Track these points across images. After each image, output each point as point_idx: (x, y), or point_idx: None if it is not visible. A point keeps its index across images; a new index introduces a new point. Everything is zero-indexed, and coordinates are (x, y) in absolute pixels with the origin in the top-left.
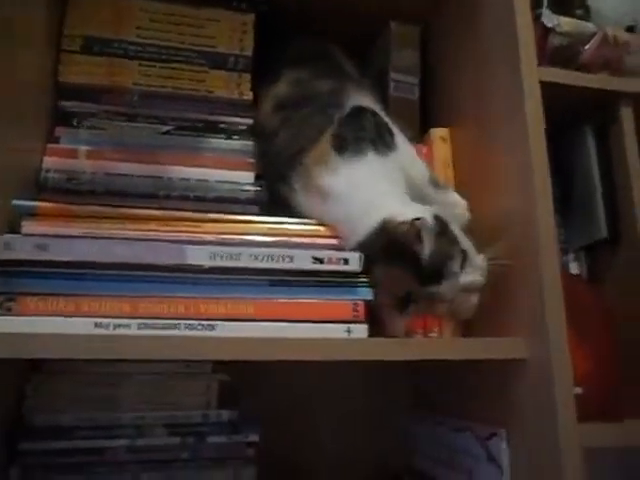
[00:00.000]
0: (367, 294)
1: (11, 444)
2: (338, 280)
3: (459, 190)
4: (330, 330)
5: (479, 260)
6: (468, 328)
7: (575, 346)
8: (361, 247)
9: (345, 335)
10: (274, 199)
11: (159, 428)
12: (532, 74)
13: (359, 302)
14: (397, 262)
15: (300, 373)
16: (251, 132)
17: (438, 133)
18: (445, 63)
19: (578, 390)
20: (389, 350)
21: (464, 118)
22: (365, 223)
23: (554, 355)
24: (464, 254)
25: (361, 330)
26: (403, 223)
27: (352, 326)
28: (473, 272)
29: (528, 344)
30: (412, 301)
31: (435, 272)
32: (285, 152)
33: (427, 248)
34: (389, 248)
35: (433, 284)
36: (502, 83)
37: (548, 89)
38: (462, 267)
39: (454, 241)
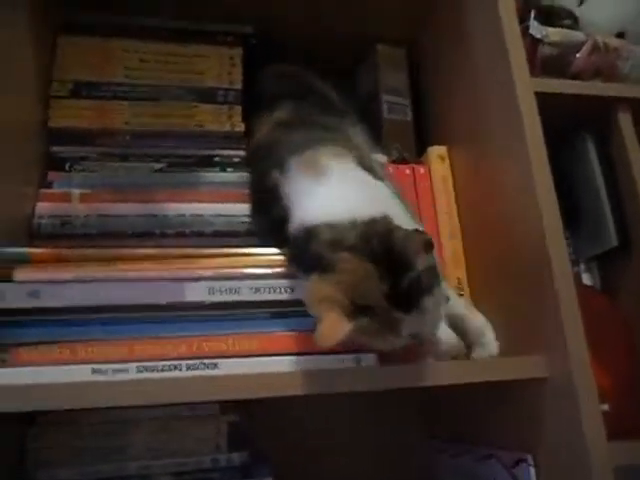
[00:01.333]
0: None
1: None
2: None
3: (461, 210)
4: (338, 361)
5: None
6: None
7: (595, 360)
8: (342, 228)
9: (354, 365)
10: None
11: (165, 477)
12: (525, 85)
13: None
14: (377, 263)
15: (311, 406)
16: (245, 160)
17: (436, 152)
18: (437, 82)
19: (605, 407)
20: (402, 377)
21: (461, 135)
22: (363, 208)
23: (576, 370)
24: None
25: (370, 359)
26: (413, 231)
27: (361, 355)
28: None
29: (548, 362)
30: (364, 315)
31: (412, 296)
32: (287, 145)
33: (421, 265)
34: (379, 244)
35: (401, 308)
36: (496, 97)
37: (543, 99)
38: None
39: (440, 279)
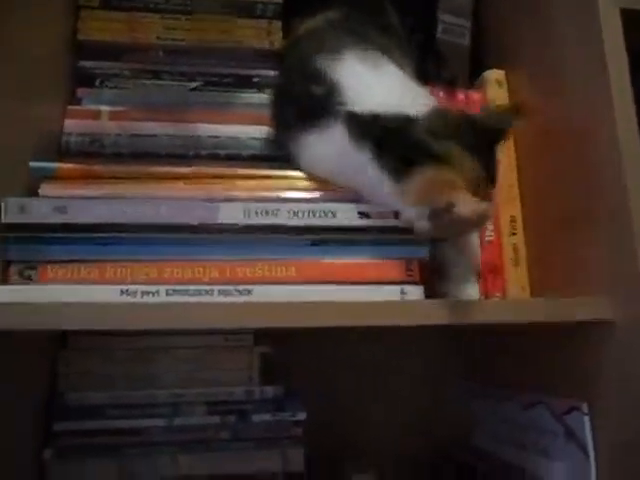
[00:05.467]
0: (422, 252)
1: (45, 425)
2: (388, 237)
3: (519, 139)
4: (382, 292)
5: None
6: (537, 288)
7: None
8: (430, 116)
9: (399, 297)
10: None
11: (198, 406)
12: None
13: (413, 261)
14: (472, 150)
15: (345, 340)
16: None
17: (493, 76)
18: (500, 0)
19: None
20: (451, 313)
21: (523, 59)
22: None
23: None
24: None
25: (417, 292)
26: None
27: (406, 287)
28: None
29: (615, 303)
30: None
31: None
32: (341, 40)
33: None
34: (470, 130)
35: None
36: (572, 14)
37: (629, 18)
38: None
39: None
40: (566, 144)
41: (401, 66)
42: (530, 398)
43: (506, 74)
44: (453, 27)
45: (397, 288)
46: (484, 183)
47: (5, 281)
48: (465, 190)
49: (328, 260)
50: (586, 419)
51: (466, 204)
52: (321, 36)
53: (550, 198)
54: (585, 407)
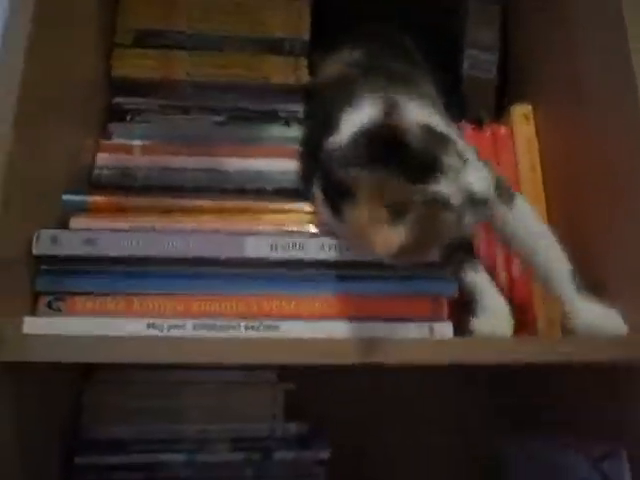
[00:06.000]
0: (451, 288)
1: (67, 458)
2: (416, 272)
3: (548, 175)
4: (409, 329)
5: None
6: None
7: None
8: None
9: (427, 334)
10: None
11: (222, 443)
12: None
13: (440, 296)
14: (380, 163)
15: (371, 380)
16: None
17: (520, 110)
18: (527, 35)
19: None
20: (482, 351)
21: (550, 92)
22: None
23: None
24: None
25: (446, 329)
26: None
27: (434, 325)
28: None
29: None
30: (407, 211)
31: (427, 165)
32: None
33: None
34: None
35: (427, 180)
36: (602, 52)
37: None
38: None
39: (446, 138)
40: (596, 180)
41: (430, 99)
42: (562, 441)
43: (533, 108)
44: (480, 62)
45: (425, 325)
46: (427, 203)
47: (34, 312)
48: (382, 220)
49: (354, 295)
50: (625, 467)
51: (377, 239)
52: (339, 87)
53: (580, 232)
54: (623, 453)
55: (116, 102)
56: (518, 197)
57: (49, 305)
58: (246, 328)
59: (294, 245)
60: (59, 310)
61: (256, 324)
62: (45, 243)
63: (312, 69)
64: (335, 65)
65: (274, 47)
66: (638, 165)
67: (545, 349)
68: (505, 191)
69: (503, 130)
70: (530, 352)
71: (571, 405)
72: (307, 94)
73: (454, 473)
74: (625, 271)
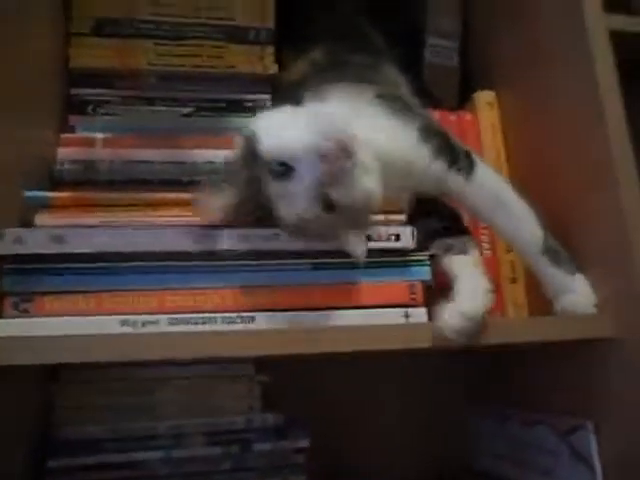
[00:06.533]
0: (424, 274)
1: (39, 462)
2: (390, 259)
3: (511, 159)
4: (385, 316)
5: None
6: (537, 307)
7: None
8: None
9: (403, 320)
10: None
11: (198, 437)
12: (598, 23)
13: (416, 283)
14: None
15: (345, 363)
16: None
17: (484, 98)
18: (488, 22)
19: None
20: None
21: (513, 80)
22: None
23: None
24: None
25: (420, 314)
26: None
27: (410, 310)
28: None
29: (618, 321)
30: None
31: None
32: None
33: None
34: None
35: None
36: (563, 37)
37: (618, 39)
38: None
39: None
40: (559, 164)
41: (396, 85)
42: (531, 416)
43: (497, 94)
44: (441, 49)
45: (401, 311)
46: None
47: (0, 314)
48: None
49: (329, 284)
50: (592, 438)
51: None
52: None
53: (546, 218)
54: (590, 426)
55: (74, 93)
56: (479, 167)
57: (16, 306)
58: (222, 321)
59: (266, 236)
60: (26, 312)
61: (232, 316)
62: (9, 242)
63: (281, 63)
64: (300, 65)
65: (239, 36)
66: (596, 152)
67: (512, 330)
68: (463, 162)
69: (469, 116)
70: (498, 334)
71: (538, 380)
72: (275, 89)
73: (428, 452)
74: (592, 252)
